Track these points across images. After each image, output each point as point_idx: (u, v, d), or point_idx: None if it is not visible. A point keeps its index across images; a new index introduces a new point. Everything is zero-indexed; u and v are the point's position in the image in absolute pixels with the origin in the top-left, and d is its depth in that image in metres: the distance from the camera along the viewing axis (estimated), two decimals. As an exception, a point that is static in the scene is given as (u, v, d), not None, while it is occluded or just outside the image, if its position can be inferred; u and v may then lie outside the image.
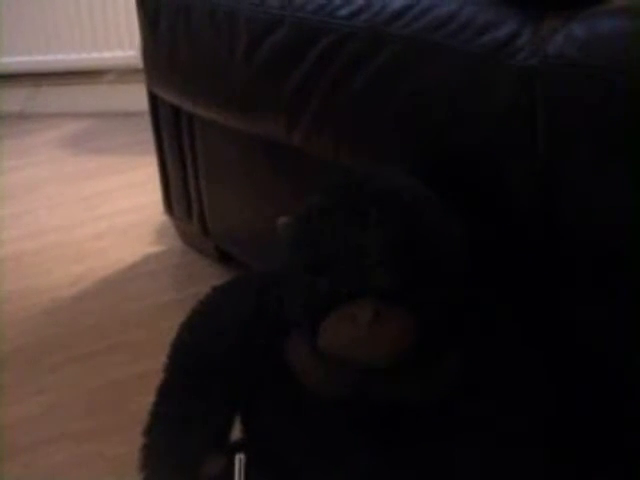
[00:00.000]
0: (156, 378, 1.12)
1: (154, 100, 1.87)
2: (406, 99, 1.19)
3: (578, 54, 1.00)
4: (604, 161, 0.99)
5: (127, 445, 1.13)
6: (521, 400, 1.06)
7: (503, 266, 1.12)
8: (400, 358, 0.97)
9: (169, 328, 1.13)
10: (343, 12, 1.25)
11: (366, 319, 0.94)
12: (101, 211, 2.27)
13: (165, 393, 1.12)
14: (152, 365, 1.14)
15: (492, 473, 1.04)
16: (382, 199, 0.98)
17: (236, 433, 1.12)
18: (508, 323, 1.08)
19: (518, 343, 1.07)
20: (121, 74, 2.94)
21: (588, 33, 1.01)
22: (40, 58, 2.99)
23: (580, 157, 1.01)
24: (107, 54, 2.93)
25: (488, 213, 1.11)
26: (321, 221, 0.99)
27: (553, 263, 1.10)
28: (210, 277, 1.75)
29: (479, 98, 1.10)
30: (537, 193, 1.05)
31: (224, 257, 1.85)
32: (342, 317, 0.96)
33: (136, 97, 2.30)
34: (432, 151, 1.18)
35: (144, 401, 1.12)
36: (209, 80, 1.59)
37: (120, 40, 2.89)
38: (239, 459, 0.88)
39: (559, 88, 1.01)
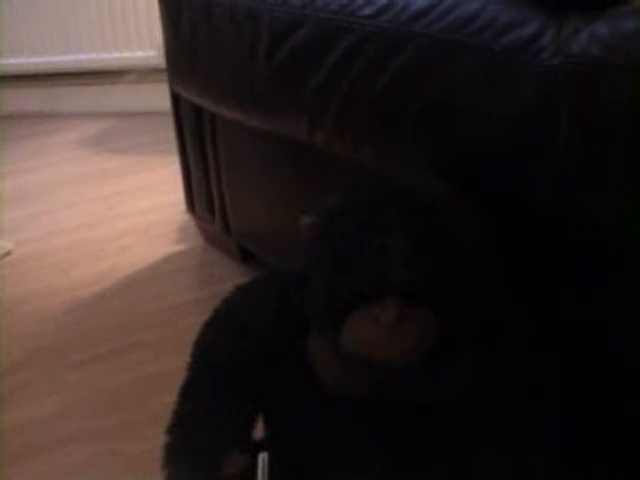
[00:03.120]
0: (177, 377, 1.12)
1: (176, 99, 1.88)
2: (428, 98, 1.19)
3: (601, 54, 0.99)
4: (626, 160, 0.98)
5: (146, 443, 1.14)
6: (537, 402, 1.06)
7: (520, 266, 1.12)
8: (421, 358, 0.97)
9: (190, 327, 1.14)
10: (365, 12, 1.25)
11: (388, 319, 0.94)
12: (122, 210, 2.28)
13: (188, 392, 1.12)
14: (173, 364, 1.14)
15: (507, 475, 1.04)
16: (404, 199, 0.98)
17: (258, 432, 1.13)
18: (525, 324, 1.08)
19: (534, 345, 1.07)
20: (142, 74, 2.95)
21: (612, 33, 1.00)
22: (60, 58, 3.00)
23: (603, 156, 1.00)
24: (128, 54, 2.93)
25: (507, 212, 1.11)
26: (343, 221, 0.99)
27: (569, 262, 1.09)
28: (232, 276, 1.75)
29: (502, 97, 1.09)
30: (558, 190, 1.05)
31: (246, 255, 1.85)
32: (364, 317, 0.96)
33: (157, 97, 2.31)
34: (453, 150, 1.18)
35: (165, 400, 1.12)
36: (231, 80, 1.59)
37: (141, 40, 2.90)
38: (262, 458, 0.88)
39: (582, 87, 1.01)
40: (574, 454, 1.08)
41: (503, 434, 1.05)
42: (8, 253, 2.09)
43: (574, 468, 1.08)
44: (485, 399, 1.04)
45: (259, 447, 1.02)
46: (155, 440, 1.11)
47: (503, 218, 1.09)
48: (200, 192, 1.92)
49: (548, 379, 1.07)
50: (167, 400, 1.12)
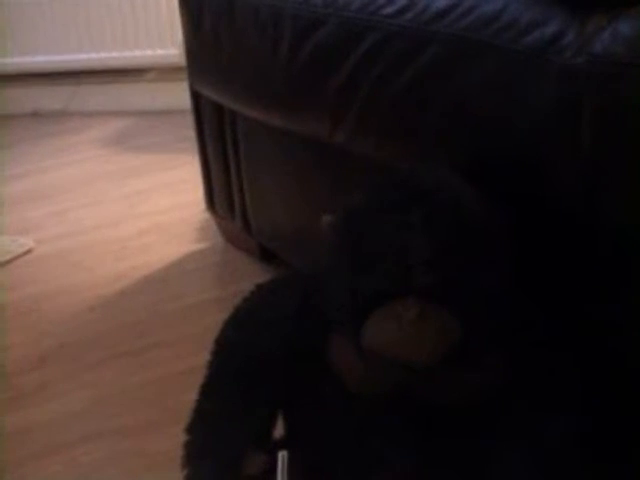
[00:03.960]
0: (198, 375, 1.12)
1: (197, 98, 1.88)
2: (450, 98, 1.18)
3: (625, 52, 0.99)
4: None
5: (168, 442, 1.14)
6: (561, 403, 1.05)
7: (543, 266, 1.12)
8: (443, 357, 0.97)
9: (211, 325, 1.14)
10: (388, 10, 1.25)
11: (410, 318, 0.94)
12: (143, 209, 2.28)
13: (208, 390, 1.12)
14: (194, 362, 1.14)
15: (534, 474, 1.04)
16: (427, 198, 0.98)
17: (278, 431, 1.13)
18: (549, 325, 1.07)
19: (558, 346, 1.07)
20: (162, 72, 2.95)
21: (635, 31, 1.00)
22: (82, 56, 3.01)
23: (627, 156, 1.00)
24: (149, 52, 2.94)
25: (530, 212, 1.10)
26: (365, 220, 0.99)
27: (594, 262, 1.09)
28: (252, 275, 1.75)
29: (525, 97, 1.09)
30: (581, 192, 1.04)
31: (266, 255, 1.85)
32: (386, 316, 0.96)
33: (177, 95, 2.32)
34: (476, 150, 1.17)
35: (186, 398, 1.12)
36: (252, 78, 1.59)
37: (162, 38, 2.90)
38: (282, 456, 0.88)
39: (605, 86, 1.00)
40: (593, 452, 1.07)
41: (528, 433, 1.04)
42: (29, 251, 2.10)
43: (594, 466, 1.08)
44: (509, 399, 1.04)
45: (278, 446, 1.02)
46: (176, 439, 1.11)
47: (526, 219, 1.09)
48: (220, 191, 1.92)
49: (568, 378, 1.06)
50: (188, 399, 1.12)
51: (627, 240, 1.03)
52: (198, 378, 1.12)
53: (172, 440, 1.13)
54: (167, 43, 2.89)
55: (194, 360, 1.14)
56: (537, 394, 1.05)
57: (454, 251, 0.96)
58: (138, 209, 2.29)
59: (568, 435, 1.05)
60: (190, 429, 1.11)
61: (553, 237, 1.11)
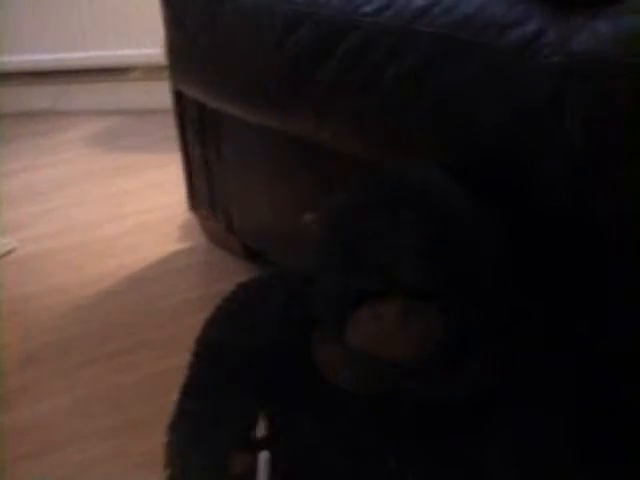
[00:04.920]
0: (183, 375, 1.12)
1: (179, 97, 1.88)
2: (434, 97, 1.18)
3: (604, 51, 0.99)
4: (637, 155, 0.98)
5: (154, 441, 1.13)
6: (553, 401, 1.06)
7: (534, 265, 1.12)
8: (429, 356, 0.97)
9: (196, 325, 1.14)
10: (368, 9, 1.25)
11: (393, 317, 0.95)
12: (130, 208, 2.28)
13: (190, 391, 1.12)
14: (179, 362, 1.14)
15: (523, 472, 1.04)
16: (416, 197, 0.98)
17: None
18: (541, 323, 1.08)
19: (551, 344, 1.07)
20: (147, 71, 2.95)
21: (613, 30, 1.00)
22: (67, 55, 3.00)
23: (610, 152, 1.00)
24: (134, 51, 2.93)
25: (520, 211, 1.11)
26: (355, 219, 0.99)
27: (586, 259, 1.09)
28: (236, 274, 1.74)
29: (508, 95, 1.09)
30: (567, 187, 1.05)
31: (250, 254, 1.85)
32: (370, 314, 0.96)
33: (163, 94, 2.31)
34: (462, 148, 1.17)
35: (172, 398, 1.12)
36: (235, 76, 1.59)
37: (147, 37, 2.89)
38: (264, 457, 0.88)
39: (586, 84, 1.01)
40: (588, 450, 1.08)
41: (519, 432, 1.05)
42: (11, 251, 2.09)
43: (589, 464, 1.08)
44: (500, 397, 1.04)
45: (264, 445, 1.02)
46: (162, 439, 1.11)
47: (516, 217, 1.09)
48: (202, 190, 1.92)
49: (562, 377, 1.07)
50: (174, 398, 1.12)
51: (619, 237, 1.04)
52: (183, 378, 1.12)
53: (159, 439, 1.12)
54: (152, 42, 2.88)
55: (179, 360, 1.14)
56: (529, 393, 1.04)
57: (443, 252, 0.96)
58: (124, 209, 2.28)
59: (561, 435, 1.05)
60: (172, 429, 1.11)
61: (541, 234, 1.11)
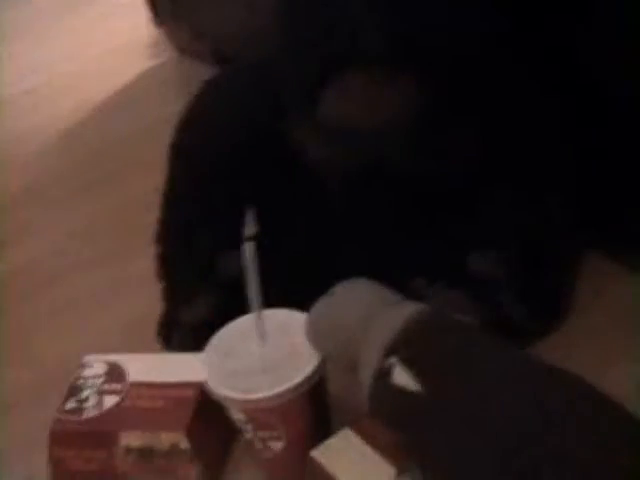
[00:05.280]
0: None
1: None
2: None
3: None
4: None
5: (146, 261, 1.11)
6: (543, 161, 1.02)
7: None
8: (404, 123, 0.92)
9: (175, 139, 1.09)
10: None
11: (363, 84, 0.90)
12: (92, 38, 2.19)
13: (171, 198, 1.09)
14: (162, 179, 1.11)
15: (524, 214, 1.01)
16: None
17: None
18: (524, 80, 1.02)
19: (536, 100, 1.01)
20: None
21: None
22: None
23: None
24: None
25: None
26: None
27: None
28: (209, 80, 1.69)
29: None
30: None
31: (221, 59, 1.78)
32: (339, 87, 0.92)
33: None
34: None
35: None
36: None
37: None
38: (248, 247, 0.85)
39: None
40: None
41: (505, 202, 1.01)
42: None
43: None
44: (491, 166, 1.00)
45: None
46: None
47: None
48: (164, 3, 1.85)
49: (555, 138, 1.02)
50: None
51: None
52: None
53: (151, 259, 1.11)
54: None
55: (162, 177, 1.10)
56: (519, 159, 1.01)
57: (400, 12, 0.90)
58: (88, 39, 2.20)
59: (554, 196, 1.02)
60: (158, 240, 1.08)
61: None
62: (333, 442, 0.85)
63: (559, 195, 1.01)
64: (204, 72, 1.75)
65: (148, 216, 1.13)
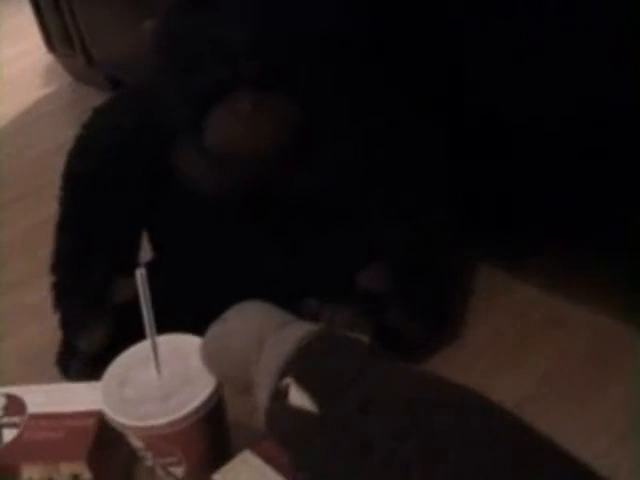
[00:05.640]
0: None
1: None
2: None
3: None
4: None
5: (43, 291, 1.10)
6: (419, 176, 1.04)
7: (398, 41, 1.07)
8: (288, 144, 0.93)
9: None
10: None
11: (245, 110, 0.91)
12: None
13: (64, 227, 1.08)
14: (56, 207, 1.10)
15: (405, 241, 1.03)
16: None
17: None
18: (401, 101, 1.04)
19: (414, 119, 1.03)
20: None
21: None
22: None
23: None
24: None
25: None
26: (183, 19, 0.94)
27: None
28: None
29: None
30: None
31: (116, 85, 1.78)
32: (222, 112, 0.93)
33: None
34: None
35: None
36: None
37: None
38: (140, 274, 0.85)
39: None
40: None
41: (387, 214, 1.03)
42: None
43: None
44: (366, 182, 1.02)
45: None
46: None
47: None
48: (56, 28, 1.84)
49: (434, 150, 1.04)
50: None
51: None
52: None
53: (48, 289, 1.09)
54: None
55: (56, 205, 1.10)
56: (398, 171, 1.03)
57: (276, 35, 0.91)
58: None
59: (434, 209, 1.04)
60: (53, 269, 1.07)
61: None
62: (234, 464, 0.85)
63: (438, 209, 1.04)
64: (100, 98, 1.76)
65: (47, 245, 1.11)
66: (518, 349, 1.04)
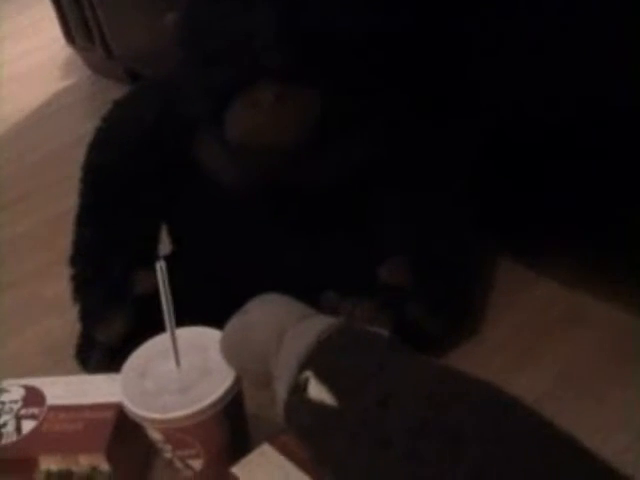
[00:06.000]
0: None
1: None
2: None
3: None
4: None
5: (63, 282, 1.10)
6: (440, 171, 1.03)
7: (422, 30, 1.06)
8: (310, 137, 0.93)
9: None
10: None
11: (267, 102, 0.90)
12: (2, 58, 2.17)
13: (84, 219, 1.08)
14: (75, 200, 1.10)
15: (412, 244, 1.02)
16: None
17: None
18: (424, 95, 1.03)
19: (437, 115, 1.03)
20: None
21: None
22: None
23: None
24: None
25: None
26: (207, 10, 0.94)
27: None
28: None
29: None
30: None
31: (134, 78, 1.78)
32: (244, 104, 0.92)
33: None
34: None
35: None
36: None
37: None
38: (160, 267, 0.85)
39: None
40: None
41: (407, 209, 1.03)
42: None
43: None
44: (386, 176, 1.01)
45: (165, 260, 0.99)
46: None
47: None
48: (76, 21, 1.83)
49: (451, 149, 1.04)
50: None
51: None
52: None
53: (67, 280, 1.09)
54: None
55: (76, 198, 1.10)
56: (418, 166, 1.02)
57: (301, 28, 0.91)
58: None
59: (454, 203, 1.03)
60: (72, 262, 1.07)
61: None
62: (252, 457, 0.85)
63: (459, 203, 1.03)
64: (118, 91, 1.76)
65: (65, 237, 1.12)
66: (537, 345, 1.04)
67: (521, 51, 0.98)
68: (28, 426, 0.95)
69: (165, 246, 1.13)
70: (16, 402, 0.98)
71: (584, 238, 1.06)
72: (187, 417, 0.84)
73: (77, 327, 1.10)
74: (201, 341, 0.90)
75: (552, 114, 1.00)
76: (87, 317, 1.07)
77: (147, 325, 0.93)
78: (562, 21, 0.92)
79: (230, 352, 0.85)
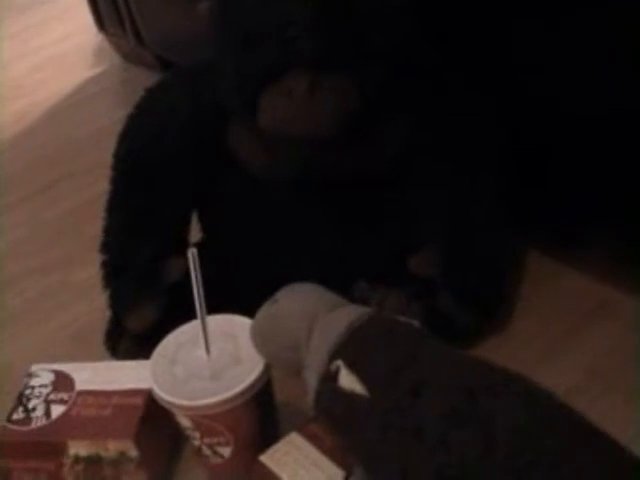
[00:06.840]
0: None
1: None
2: None
3: None
4: None
5: (91, 268, 1.11)
6: (476, 164, 1.03)
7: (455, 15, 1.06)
8: (344, 127, 0.92)
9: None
10: None
11: (301, 90, 0.89)
12: (34, 44, 2.18)
13: (115, 206, 1.08)
14: (106, 186, 1.10)
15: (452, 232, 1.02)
16: None
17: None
18: (457, 79, 1.03)
19: (468, 98, 1.03)
20: None
21: None
22: None
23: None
24: None
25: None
26: None
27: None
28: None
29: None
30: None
31: (165, 66, 1.78)
32: (278, 92, 0.91)
33: None
34: None
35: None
36: None
37: None
38: (192, 254, 0.85)
39: None
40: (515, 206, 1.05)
41: (439, 199, 1.02)
42: None
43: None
44: (421, 163, 1.01)
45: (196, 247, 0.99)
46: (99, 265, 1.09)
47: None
48: (107, 8, 1.84)
49: (484, 134, 1.03)
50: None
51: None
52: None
53: (95, 266, 1.10)
54: None
55: (107, 184, 1.10)
56: (450, 156, 1.02)
57: (338, 16, 0.90)
58: (30, 45, 2.18)
59: (485, 195, 1.03)
60: (104, 248, 1.08)
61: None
62: (281, 446, 0.86)
63: (489, 195, 1.03)
64: (149, 78, 1.77)
65: (94, 223, 1.12)
66: (567, 338, 1.04)
67: (566, 44, 0.98)
68: (57, 411, 0.96)
69: (196, 234, 1.13)
70: (46, 387, 0.99)
71: (614, 230, 1.05)
72: (216, 404, 0.84)
73: (106, 314, 1.11)
74: (231, 329, 0.90)
75: (584, 107, 0.99)
76: (117, 304, 1.07)
77: (176, 313, 0.93)
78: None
79: (260, 340, 0.85)
